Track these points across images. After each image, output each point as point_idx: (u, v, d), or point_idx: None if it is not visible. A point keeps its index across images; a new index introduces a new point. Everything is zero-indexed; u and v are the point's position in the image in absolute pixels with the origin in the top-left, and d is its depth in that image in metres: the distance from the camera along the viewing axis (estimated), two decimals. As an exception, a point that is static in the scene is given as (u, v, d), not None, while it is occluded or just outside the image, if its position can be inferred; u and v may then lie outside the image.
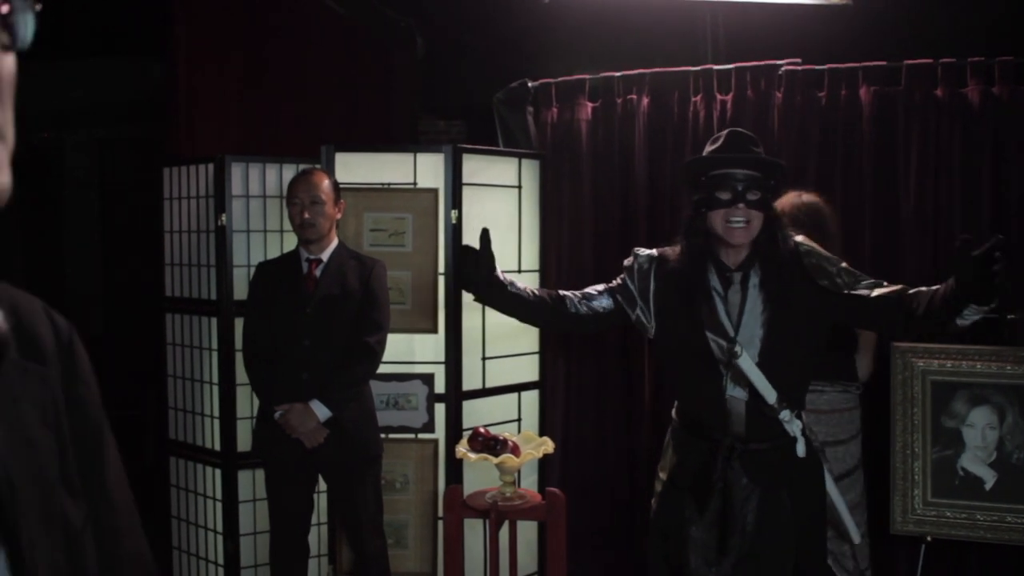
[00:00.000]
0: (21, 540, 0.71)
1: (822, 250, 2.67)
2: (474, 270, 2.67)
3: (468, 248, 2.70)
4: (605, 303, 2.75)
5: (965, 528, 3.17)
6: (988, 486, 3.17)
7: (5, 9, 0.69)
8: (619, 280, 2.77)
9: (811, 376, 2.80)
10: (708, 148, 2.66)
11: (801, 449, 2.57)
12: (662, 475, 2.80)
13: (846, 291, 2.52)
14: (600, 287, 2.79)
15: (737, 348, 2.46)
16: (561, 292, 2.78)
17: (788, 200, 3.28)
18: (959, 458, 3.20)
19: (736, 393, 2.58)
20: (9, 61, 0.71)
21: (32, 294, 0.87)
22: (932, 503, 3.20)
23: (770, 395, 2.51)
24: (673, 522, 2.71)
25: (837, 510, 2.80)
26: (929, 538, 3.18)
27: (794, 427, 2.56)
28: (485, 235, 2.65)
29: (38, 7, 0.71)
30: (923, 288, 2.45)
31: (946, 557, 3.53)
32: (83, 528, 0.80)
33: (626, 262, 2.77)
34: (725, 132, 2.65)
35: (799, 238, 2.69)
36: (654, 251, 2.75)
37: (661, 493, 2.79)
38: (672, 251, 2.71)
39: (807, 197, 3.33)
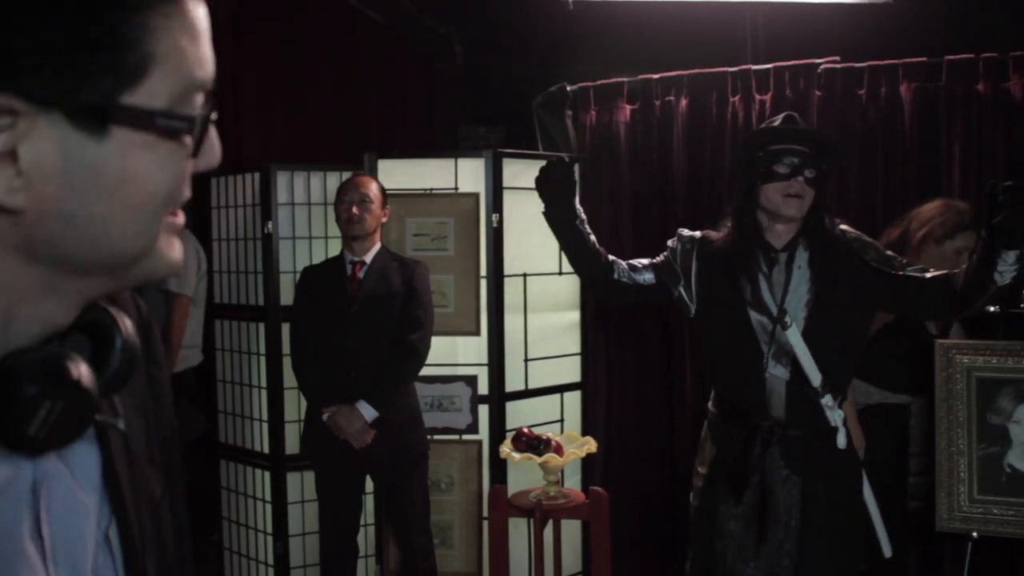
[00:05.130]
0: (127, 511, 0.79)
1: (866, 236, 2.71)
2: (557, 188, 2.71)
3: (557, 164, 2.74)
4: (648, 277, 2.78)
5: (1012, 525, 3.14)
6: (1036, 482, 3.14)
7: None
8: (663, 257, 2.80)
9: (855, 365, 2.77)
10: (764, 126, 2.72)
11: (842, 440, 2.55)
12: (701, 470, 2.77)
13: (900, 272, 2.55)
14: (645, 261, 2.83)
15: (787, 319, 2.47)
16: (612, 257, 2.82)
17: (935, 207, 3.32)
18: (1005, 455, 3.17)
19: (777, 372, 2.57)
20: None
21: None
22: (978, 500, 3.17)
23: (815, 376, 2.49)
24: (711, 518, 2.68)
25: (872, 521, 2.76)
26: (975, 535, 3.16)
27: (835, 416, 2.54)
28: (572, 162, 2.70)
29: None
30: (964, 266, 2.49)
31: (993, 554, 3.50)
32: (161, 499, 0.88)
33: (670, 242, 2.81)
34: (781, 115, 2.69)
35: (844, 226, 2.72)
36: (697, 232, 2.78)
37: (700, 488, 2.76)
38: (716, 233, 2.74)
39: (964, 206, 3.36)
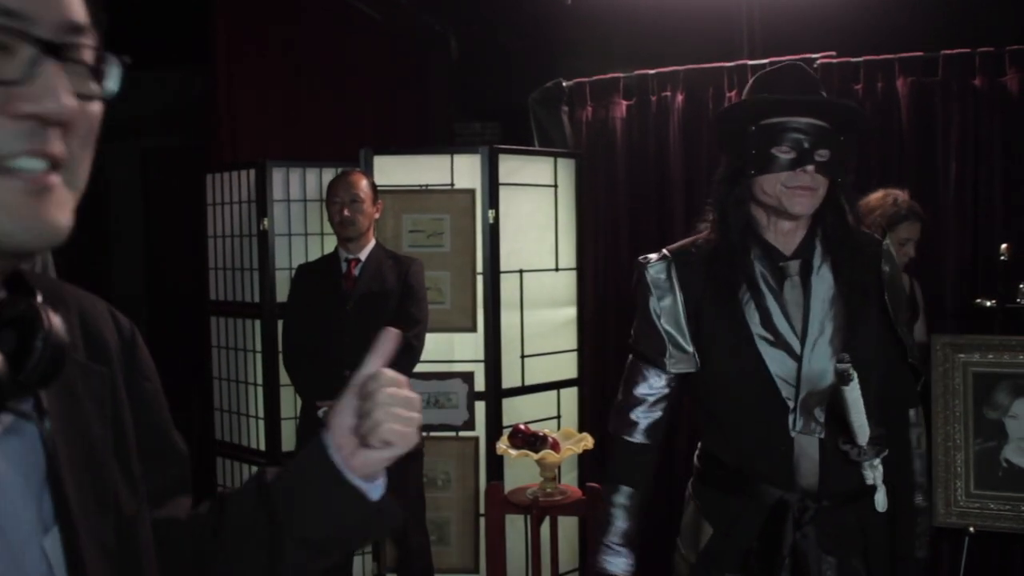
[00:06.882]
0: (73, 520, 0.76)
1: (895, 258, 2.05)
2: None
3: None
4: (659, 387, 2.02)
5: (1009, 520, 3.14)
6: (1032, 477, 3.15)
7: (94, 59, 0.73)
8: (647, 332, 2.01)
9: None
10: (755, 87, 1.97)
11: (881, 501, 1.89)
12: (686, 552, 2.02)
13: (898, 328, 1.94)
14: (646, 385, 2.02)
15: (850, 370, 1.71)
16: (637, 440, 2.02)
17: (876, 198, 3.28)
18: (1002, 449, 3.17)
19: (808, 429, 1.86)
20: (96, 109, 0.75)
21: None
22: (975, 495, 3.17)
23: (863, 433, 1.81)
24: None
25: None
26: (972, 529, 3.16)
27: (876, 473, 1.88)
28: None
29: (127, 59, 0.74)
30: (915, 461, 1.97)
31: (991, 549, 3.50)
32: (137, 514, 0.85)
33: (639, 288, 2.02)
34: (783, 65, 1.97)
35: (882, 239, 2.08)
36: (665, 251, 2.00)
37: None
38: (694, 245, 1.99)
39: (902, 197, 3.31)
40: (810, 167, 1.83)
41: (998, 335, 3.32)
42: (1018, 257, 3.45)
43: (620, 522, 2.00)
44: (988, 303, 3.43)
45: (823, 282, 1.90)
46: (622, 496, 2.00)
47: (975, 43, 3.75)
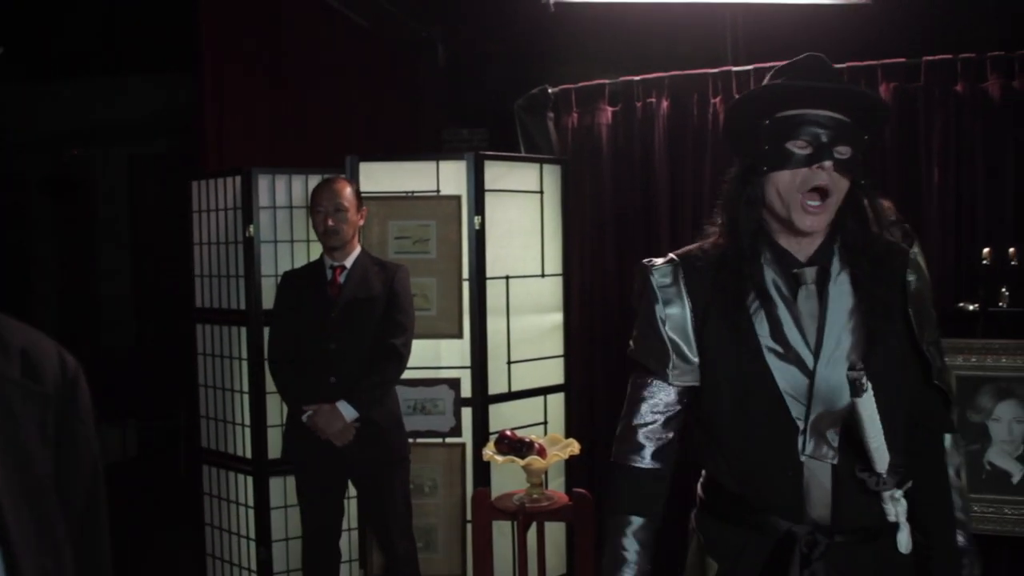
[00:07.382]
0: (11, 540, 0.77)
1: (925, 268, 1.84)
2: None
3: None
4: (669, 400, 1.83)
5: (993, 522, 3.17)
6: (1015, 480, 3.17)
7: None
8: (652, 345, 1.82)
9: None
10: (771, 79, 1.79)
11: (904, 541, 1.69)
12: None
13: (923, 344, 1.73)
14: (650, 409, 1.84)
15: (863, 380, 1.57)
16: (646, 466, 1.81)
17: None
18: (986, 452, 3.20)
19: (820, 453, 1.68)
20: None
21: (66, 307, 0.92)
22: (959, 498, 3.20)
23: (882, 458, 1.63)
24: None
25: None
26: (957, 533, 3.18)
27: (899, 508, 1.68)
28: None
29: None
30: (952, 494, 1.78)
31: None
32: (65, 538, 0.86)
33: (643, 293, 1.84)
34: (802, 57, 1.76)
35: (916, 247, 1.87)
36: (672, 256, 1.84)
37: None
38: (701, 250, 1.83)
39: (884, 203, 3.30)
40: (828, 163, 1.65)
41: (981, 338, 3.34)
42: (1000, 261, 3.47)
43: (634, 561, 1.77)
44: (971, 307, 3.45)
45: (841, 292, 1.71)
46: (634, 529, 1.79)
47: (957, 49, 3.78)
